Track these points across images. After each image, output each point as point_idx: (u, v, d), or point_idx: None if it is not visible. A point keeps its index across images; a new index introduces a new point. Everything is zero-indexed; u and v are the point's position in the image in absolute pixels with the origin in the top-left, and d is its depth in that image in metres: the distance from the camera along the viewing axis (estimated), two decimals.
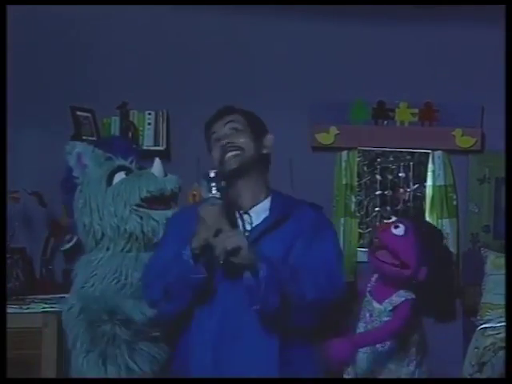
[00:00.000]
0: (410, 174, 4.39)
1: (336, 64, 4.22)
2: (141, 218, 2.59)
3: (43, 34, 4.07)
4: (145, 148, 3.99)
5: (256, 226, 2.23)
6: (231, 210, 2.19)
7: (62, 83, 4.07)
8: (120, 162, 2.73)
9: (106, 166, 2.69)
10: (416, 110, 4.28)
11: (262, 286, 2.05)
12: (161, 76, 4.18)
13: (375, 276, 2.72)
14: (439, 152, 4.27)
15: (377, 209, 4.39)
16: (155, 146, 4.07)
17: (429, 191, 4.31)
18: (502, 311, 3.40)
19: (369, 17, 4.14)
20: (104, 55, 4.14)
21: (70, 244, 3.90)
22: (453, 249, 4.08)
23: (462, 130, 4.23)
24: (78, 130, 3.97)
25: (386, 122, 4.30)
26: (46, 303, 3.15)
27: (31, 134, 4.04)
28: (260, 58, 4.23)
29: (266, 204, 2.31)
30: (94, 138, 4.00)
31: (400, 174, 4.39)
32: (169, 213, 2.58)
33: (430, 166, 4.30)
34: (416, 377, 2.62)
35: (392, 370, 2.59)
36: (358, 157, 4.33)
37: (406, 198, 4.40)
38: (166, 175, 2.67)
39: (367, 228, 4.37)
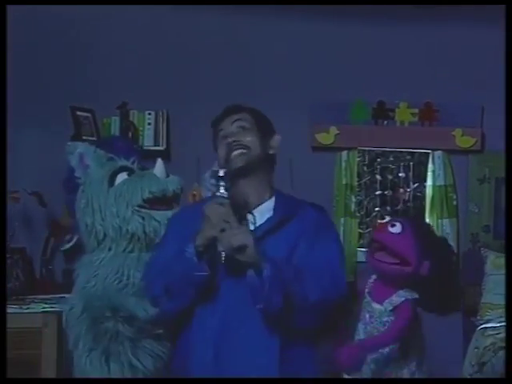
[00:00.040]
0: (410, 174, 4.39)
1: (336, 64, 4.23)
2: (143, 218, 2.60)
3: (43, 34, 4.07)
4: (145, 148, 3.99)
5: (260, 225, 2.23)
6: (236, 209, 2.18)
7: (62, 83, 4.07)
8: (122, 162, 2.73)
9: (107, 167, 2.69)
10: (416, 110, 4.28)
11: (265, 286, 2.05)
12: (161, 76, 4.18)
13: (373, 277, 2.73)
14: (439, 152, 4.27)
15: (377, 209, 4.39)
16: (155, 145, 4.07)
17: (429, 191, 4.31)
18: (502, 311, 3.40)
19: (369, 17, 4.14)
20: (104, 55, 4.14)
21: (70, 244, 3.90)
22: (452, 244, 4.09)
23: (461, 130, 4.23)
24: (77, 130, 3.97)
25: (386, 122, 4.30)
26: (46, 303, 3.15)
27: (31, 133, 4.04)
28: (260, 58, 4.23)
29: (269, 204, 2.30)
30: (94, 138, 4.00)
31: (400, 174, 4.40)
32: (170, 213, 2.58)
33: (430, 166, 4.30)
34: (416, 377, 2.62)
35: (392, 371, 2.60)
36: (358, 157, 4.33)
37: (406, 197, 4.40)
38: (168, 176, 2.68)
39: (367, 228, 4.37)
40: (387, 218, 2.76)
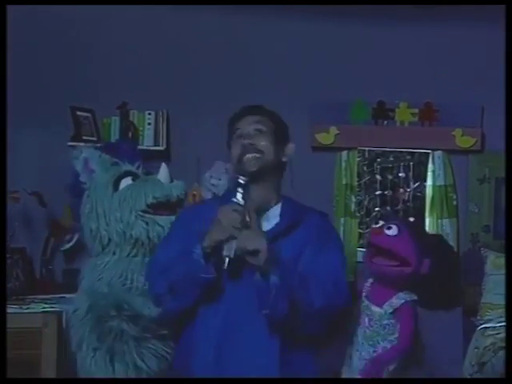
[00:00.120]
0: (410, 174, 4.39)
1: (336, 64, 4.22)
2: (146, 223, 2.61)
3: (43, 34, 4.07)
4: (145, 148, 3.99)
5: (267, 231, 2.22)
6: (247, 213, 2.17)
7: (62, 83, 4.07)
8: (127, 167, 2.74)
9: (112, 171, 2.70)
10: (416, 110, 4.28)
11: (272, 292, 2.05)
12: (161, 76, 4.18)
13: (369, 281, 2.73)
14: (439, 152, 4.27)
15: (377, 209, 4.39)
16: (155, 146, 4.07)
17: (429, 191, 4.31)
18: (502, 311, 3.40)
19: (369, 17, 4.14)
20: (104, 55, 4.14)
21: (70, 244, 3.91)
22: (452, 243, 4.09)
23: (461, 130, 4.23)
24: (77, 130, 3.97)
25: (386, 122, 4.30)
26: (46, 303, 3.15)
27: (31, 133, 4.04)
28: (260, 57, 4.23)
29: (276, 210, 2.30)
30: (94, 138, 4.00)
31: (400, 174, 4.39)
32: (174, 219, 2.58)
33: (430, 166, 4.30)
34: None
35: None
36: (358, 157, 4.33)
37: (406, 198, 4.39)
38: (172, 181, 2.68)
39: (367, 228, 4.36)
40: (381, 223, 2.77)
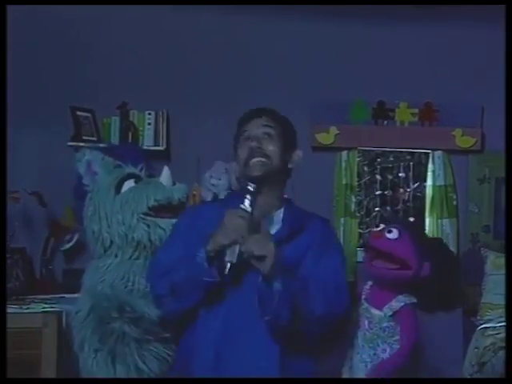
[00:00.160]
0: (410, 174, 4.40)
1: (336, 64, 4.22)
2: (148, 226, 2.60)
3: (43, 34, 4.07)
4: (145, 148, 3.99)
5: None
6: (253, 220, 2.15)
7: (62, 83, 4.07)
8: (130, 169, 2.74)
9: (115, 174, 2.70)
10: (416, 110, 4.28)
11: (275, 299, 2.05)
12: (161, 76, 4.17)
13: (369, 283, 2.73)
14: (439, 152, 4.27)
15: (377, 209, 4.40)
16: (155, 146, 4.07)
17: (429, 191, 4.31)
18: (502, 311, 3.40)
19: (369, 17, 4.14)
20: (104, 55, 4.14)
21: (70, 244, 3.91)
22: (452, 249, 4.09)
23: (462, 130, 4.23)
24: (77, 130, 3.97)
25: (386, 122, 4.30)
26: (46, 303, 3.14)
27: (31, 133, 4.04)
28: (260, 57, 4.23)
29: (278, 215, 2.29)
30: (94, 138, 4.00)
31: (400, 174, 4.40)
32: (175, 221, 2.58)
33: (430, 166, 4.30)
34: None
35: None
36: (358, 157, 4.33)
37: (406, 198, 4.40)
38: (174, 184, 2.68)
39: (367, 228, 4.37)
40: (382, 226, 2.76)
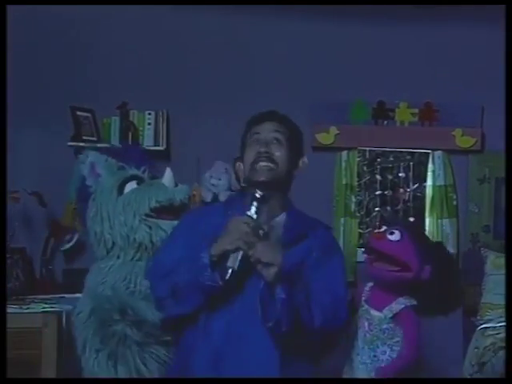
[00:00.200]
0: (410, 174, 4.40)
1: (336, 64, 4.22)
2: (150, 227, 2.61)
3: (43, 34, 4.07)
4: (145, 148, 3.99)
5: None
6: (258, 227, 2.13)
7: (62, 83, 4.07)
8: (133, 171, 2.74)
9: (118, 176, 2.70)
10: (416, 110, 4.28)
11: (278, 307, 2.04)
12: (161, 76, 4.18)
13: (369, 285, 2.73)
14: (439, 152, 4.27)
15: (377, 209, 4.40)
16: (155, 146, 4.07)
17: (429, 191, 4.31)
18: (502, 311, 3.40)
19: (369, 17, 4.14)
20: (104, 55, 4.14)
21: (70, 244, 3.91)
22: (452, 249, 4.09)
23: (461, 130, 4.23)
24: (77, 130, 3.97)
25: (386, 122, 4.30)
26: (46, 303, 3.14)
27: (31, 133, 4.04)
28: (260, 57, 4.23)
29: (280, 220, 2.27)
30: (94, 138, 4.00)
31: (400, 174, 4.40)
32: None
33: (430, 166, 4.30)
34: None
35: None
36: (358, 157, 4.33)
37: (406, 197, 4.40)
38: (176, 185, 2.68)
39: (367, 228, 4.37)
40: (384, 228, 2.76)
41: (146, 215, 2.61)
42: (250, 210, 2.11)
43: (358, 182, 4.36)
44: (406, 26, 4.20)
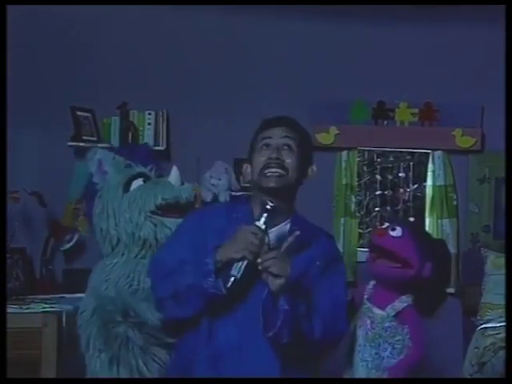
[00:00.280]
0: (410, 174, 4.40)
1: (336, 64, 4.23)
2: (155, 225, 2.60)
3: (43, 34, 4.07)
4: None
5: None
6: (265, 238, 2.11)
7: (62, 83, 4.07)
8: (139, 169, 2.74)
9: (124, 173, 2.70)
10: (416, 110, 4.28)
11: (280, 317, 2.03)
12: (161, 76, 4.18)
13: (372, 283, 2.73)
14: (439, 152, 4.27)
15: (377, 209, 4.40)
16: (155, 146, 4.07)
17: (429, 191, 4.32)
18: (502, 311, 3.40)
19: (369, 17, 4.14)
20: (104, 55, 4.14)
21: (70, 244, 3.91)
22: (453, 249, 4.09)
23: (461, 130, 4.23)
24: (77, 130, 3.97)
25: (386, 122, 4.30)
26: (46, 303, 3.14)
27: (31, 133, 4.05)
28: (260, 58, 4.23)
29: (285, 227, 2.24)
30: (94, 138, 4.01)
31: (400, 174, 4.40)
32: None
33: (430, 165, 4.30)
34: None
35: None
36: (358, 157, 4.33)
37: (406, 197, 4.40)
38: (182, 184, 2.68)
39: (367, 228, 4.37)
40: (386, 224, 2.76)
41: (152, 212, 2.61)
42: (259, 220, 2.09)
43: (358, 182, 4.36)
44: (406, 26, 4.20)
